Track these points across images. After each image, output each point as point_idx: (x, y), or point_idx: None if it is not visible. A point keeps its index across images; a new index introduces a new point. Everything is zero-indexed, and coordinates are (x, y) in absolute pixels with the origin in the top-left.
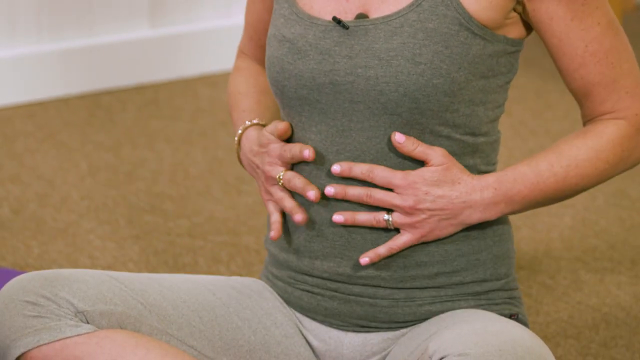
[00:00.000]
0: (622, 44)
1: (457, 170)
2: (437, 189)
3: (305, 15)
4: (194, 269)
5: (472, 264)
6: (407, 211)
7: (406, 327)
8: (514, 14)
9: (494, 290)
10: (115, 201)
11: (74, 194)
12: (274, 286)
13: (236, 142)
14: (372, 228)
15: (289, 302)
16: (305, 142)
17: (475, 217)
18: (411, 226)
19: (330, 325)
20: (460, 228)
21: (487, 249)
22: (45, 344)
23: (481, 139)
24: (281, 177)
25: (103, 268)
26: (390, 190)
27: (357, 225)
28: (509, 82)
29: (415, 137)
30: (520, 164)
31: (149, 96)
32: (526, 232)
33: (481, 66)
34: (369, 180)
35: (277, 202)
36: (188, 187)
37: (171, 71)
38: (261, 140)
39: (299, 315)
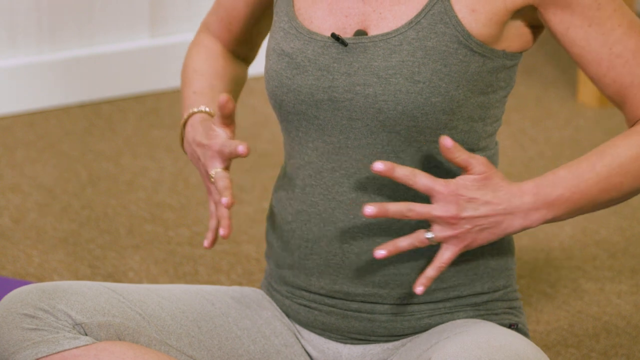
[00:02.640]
0: None
1: (498, 179)
2: (479, 197)
3: (304, 30)
4: (194, 278)
5: (469, 279)
6: (450, 222)
7: (406, 337)
8: (520, 24)
9: (492, 301)
10: (115, 210)
11: (74, 203)
12: (272, 297)
13: (181, 126)
14: (366, 248)
15: (287, 314)
16: (302, 157)
17: (517, 224)
18: (454, 238)
19: (329, 337)
20: (503, 236)
21: (485, 264)
22: (43, 357)
23: (479, 154)
24: (213, 174)
25: (103, 277)
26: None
27: (400, 251)
28: (507, 95)
29: (413, 153)
30: (560, 168)
31: (149, 105)
32: (527, 241)
33: (480, 83)
34: (410, 183)
35: (214, 204)
36: (188, 197)
37: (172, 80)
38: (207, 132)
39: (297, 326)
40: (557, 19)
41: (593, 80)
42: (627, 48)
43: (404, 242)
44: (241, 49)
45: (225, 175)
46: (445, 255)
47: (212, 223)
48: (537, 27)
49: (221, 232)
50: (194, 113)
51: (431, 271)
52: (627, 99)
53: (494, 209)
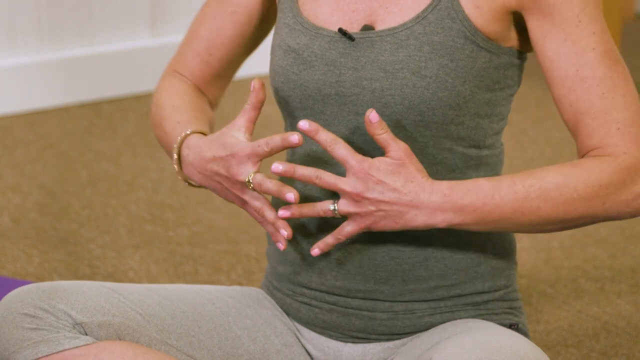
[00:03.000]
0: (619, 77)
1: (414, 169)
2: (388, 181)
3: (310, 26)
4: (194, 278)
5: (470, 277)
6: (355, 198)
7: (406, 337)
8: (522, 26)
9: (493, 301)
10: (115, 210)
11: (74, 203)
12: (273, 296)
13: (175, 154)
14: (367, 244)
15: (287, 313)
16: (308, 153)
17: (420, 220)
18: (357, 215)
19: (330, 336)
20: (403, 228)
21: (486, 262)
22: (43, 356)
23: (485, 152)
24: (250, 179)
25: (103, 277)
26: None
27: (304, 217)
28: (513, 94)
29: (419, 149)
30: (484, 178)
31: (149, 105)
32: (526, 240)
33: (487, 79)
34: (328, 150)
35: (256, 212)
36: (188, 196)
37: None
38: (226, 142)
39: (297, 325)
40: (537, 27)
41: (554, 99)
42: (594, 74)
43: (309, 210)
44: (213, 88)
45: (264, 176)
46: (347, 229)
47: (270, 228)
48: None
49: (284, 233)
50: (187, 136)
51: (330, 239)
52: (579, 128)
53: (400, 197)
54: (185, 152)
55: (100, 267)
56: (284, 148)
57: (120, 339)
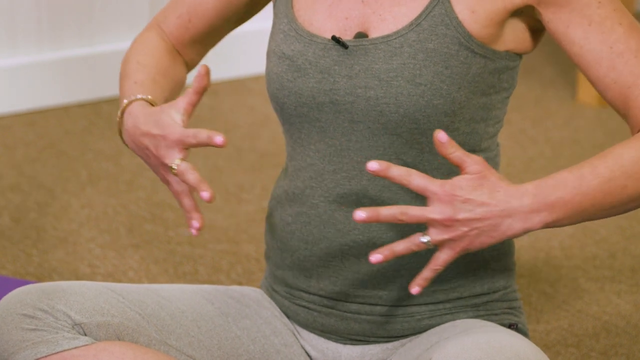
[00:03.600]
0: None
1: (495, 178)
2: (475, 198)
3: (304, 33)
4: (194, 278)
5: (469, 280)
6: (446, 224)
7: (406, 338)
8: (520, 26)
9: (492, 302)
10: (115, 210)
11: (74, 203)
12: (272, 298)
13: (119, 114)
14: (365, 249)
15: (286, 315)
16: (303, 159)
17: (517, 227)
18: (451, 241)
19: (328, 338)
20: (501, 240)
21: (485, 264)
22: (43, 357)
23: (481, 155)
24: (175, 165)
25: (103, 277)
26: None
27: (397, 256)
28: (509, 96)
29: (415, 155)
30: (562, 171)
31: None
32: (526, 240)
33: (482, 84)
34: (404, 183)
35: (175, 196)
36: None
37: None
38: (161, 120)
39: (296, 326)
40: (556, 18)
41: (593, 83)
42: (629, 47)
43: (401, 247)
44: (190, 51)
45: (190, 167)
46: (442, 257)
47: (188, 215)
48: (537, 30)
49: (195, 225)
50: (132, 101)
51: (427, 273)
52: (629, 101)
53: (491, 210)
54: (126, 117)
55: (100, 266)
56: (208, 145)
57: (119, 340)
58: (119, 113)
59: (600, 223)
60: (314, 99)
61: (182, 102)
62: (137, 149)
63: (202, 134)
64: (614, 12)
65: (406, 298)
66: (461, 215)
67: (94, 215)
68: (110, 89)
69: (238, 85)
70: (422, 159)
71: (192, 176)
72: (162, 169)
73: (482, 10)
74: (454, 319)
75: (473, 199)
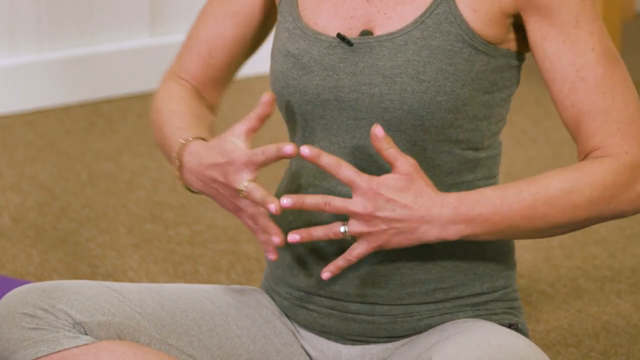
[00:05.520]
0: (618, 76)
1: (422, 184)
2: (398, 199)
3: (309, 31)
4: (194, 277)
5: (469, 279)
6: (365, 219)
7: (406, 337)
8: (521, 27)
9: (492, 301)
10: (115, 210)
11: (74, 203)
12: (272, 298)
13: (175, 158)
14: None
15: (286, 315)
16: (302, 166)
17: (432, 234)
18: (368, 235)
19: (328, 338)
20: (416, 244)
21: (484, 264)
22: (43, 356)
23: (483, 154)
24: (243, 187)
25: (103, 277)
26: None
27: (314, 240)
28: (512, 94)
29: (417, 153)
30: (488, 188)
31: (149, 104)
32: (526, 240)
33: (485, 82)
34: (333, 173)
35: (250, 219)
36: (188, 196)
37: None
38: (224, 148)
39: (296, 326)
40: (536, 28)
41: (554, 100)
42: (594, 74)
43: (319, 232)
44: (212, 90)
45: (256, 185)
46: (357, 250)
47: (262, 237)
48: None
49: (276, 240)
50: (189, 141)
51: (340, 262)
52: (580, 128)
53: (411, 214)
54: (186, 158)
55: (100, 266)
56: (278, 158)
57: (120, 339)
58: (174, 159)
59: (601, 223)
60: (319, 96)
61: (242, 127)
62: (204, 187)
63: (270, 148)
64: (590, 35)
65: (406, 297)
66: (382, 213)
67: (93, 215)
68: (110, 89)
69: (238, 85)
70: (424, 156)
71: (258, 193)
72: (232, 198)
73: (483, 10)
74: (453, 319)
75: (396, 199)
